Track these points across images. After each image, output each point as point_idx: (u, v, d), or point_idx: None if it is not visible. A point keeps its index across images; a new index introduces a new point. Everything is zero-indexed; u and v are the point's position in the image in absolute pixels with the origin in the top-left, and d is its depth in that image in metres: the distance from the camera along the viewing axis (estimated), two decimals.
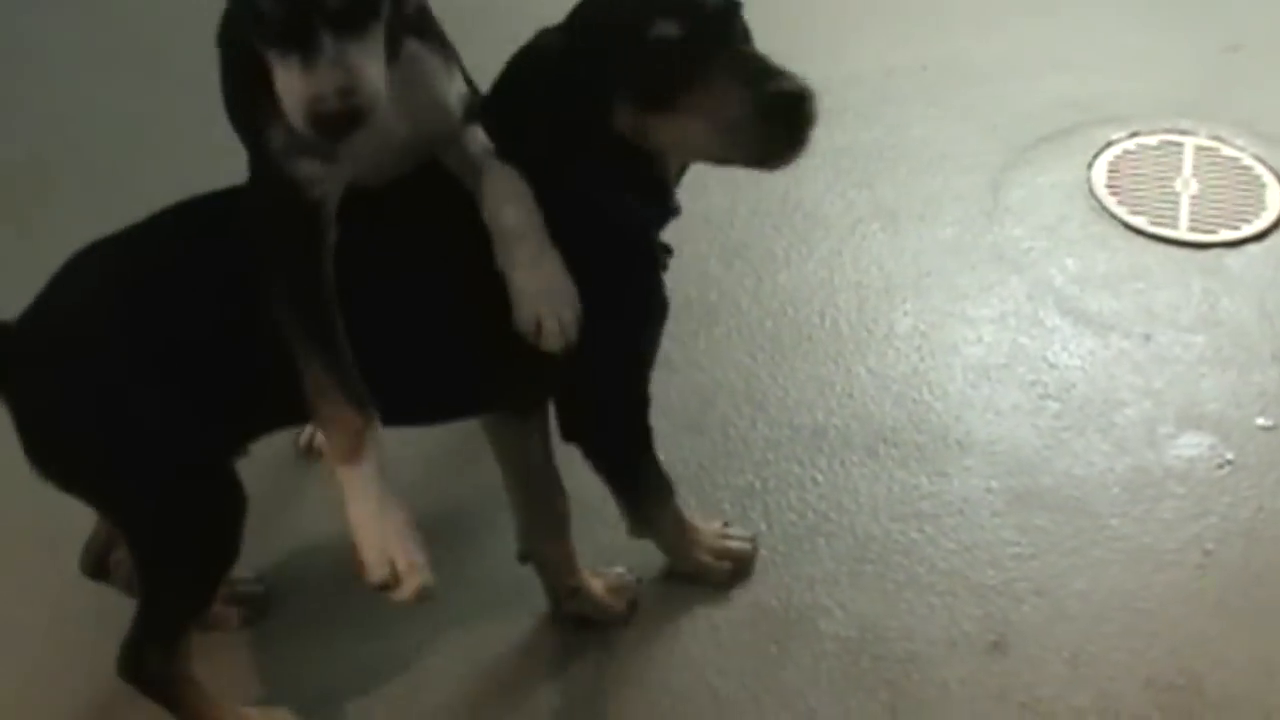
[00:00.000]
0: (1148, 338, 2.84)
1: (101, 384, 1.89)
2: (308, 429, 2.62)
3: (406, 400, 1.96)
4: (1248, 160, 3.27)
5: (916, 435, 2.66)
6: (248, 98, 1.80)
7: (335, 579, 2.41)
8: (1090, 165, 3.27)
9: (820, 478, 2.57)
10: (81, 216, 3.21)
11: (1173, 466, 2.59)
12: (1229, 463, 2.59)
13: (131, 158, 3.44)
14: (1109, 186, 3.20)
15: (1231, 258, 3.02)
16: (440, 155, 1.95)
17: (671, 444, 2.55)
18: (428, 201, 1.94)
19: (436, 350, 1.97)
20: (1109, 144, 3.33)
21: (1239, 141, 3.32)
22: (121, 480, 1.95)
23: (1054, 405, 2.70)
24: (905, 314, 2.90)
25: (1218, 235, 3.07)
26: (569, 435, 2.14)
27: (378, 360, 1.84)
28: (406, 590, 1.79)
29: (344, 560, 1.94)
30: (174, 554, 2.01)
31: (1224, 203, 3.15)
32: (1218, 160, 3.28)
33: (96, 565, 2.34)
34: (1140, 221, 3.10)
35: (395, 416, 1.87)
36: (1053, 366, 2.78)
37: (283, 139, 1.77)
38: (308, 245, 1.82)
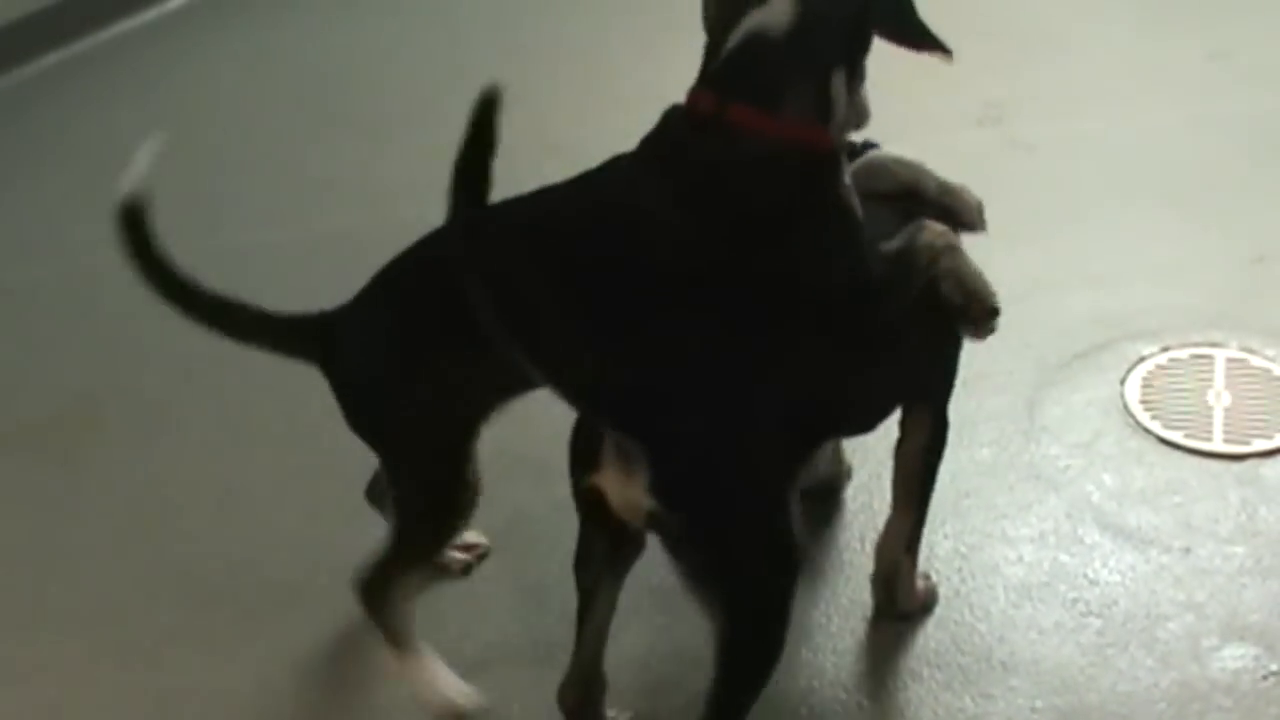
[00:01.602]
0: (1187, 550, 2.87)
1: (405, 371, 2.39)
2: None
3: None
4: (1279, 371, 3.33)
5: (960, 657, 2.68)
6: None
7: None
8: (1123, 381, 3.32)
9: (866, 703, 2.60)
10: (130, 455, 3.33)
11: (1218, 679, 2.59)
12: (1274, 674, 2.59)
13: (179, 397, 3.54)
14: (1143, 402, 3.26)
15: (1267, 467, 3.06)
16: None
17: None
18: None
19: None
20: (1141, 359, 3.39)
21: (1269, 352, 3.38)
22: (404, 443, 2.45)
23: (1096, 622, 2.72)
24: (945, 536, 2.94)
25: (1252, 446, 3.11)
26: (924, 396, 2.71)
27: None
28: None
29: None
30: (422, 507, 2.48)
31: (1257, 414, 3.20)
32: (1249, 371, 3.34)
33: (378, 496, 2.73)
34: (1175, 435, 3.15)
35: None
36: (1094, 583, 2.81)
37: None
38: None
